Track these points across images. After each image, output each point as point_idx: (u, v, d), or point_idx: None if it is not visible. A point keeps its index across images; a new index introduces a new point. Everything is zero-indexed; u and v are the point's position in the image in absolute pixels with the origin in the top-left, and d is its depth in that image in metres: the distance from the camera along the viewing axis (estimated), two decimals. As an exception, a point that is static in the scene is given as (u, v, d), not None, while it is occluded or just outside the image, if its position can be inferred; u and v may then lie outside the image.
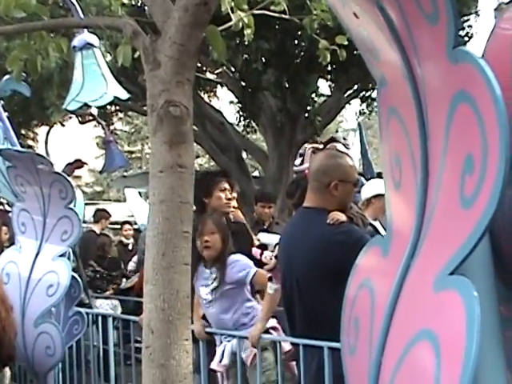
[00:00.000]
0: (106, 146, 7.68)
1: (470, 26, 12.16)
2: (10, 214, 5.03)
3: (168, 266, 2.37)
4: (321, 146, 5.02)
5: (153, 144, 2.46)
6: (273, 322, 3.79)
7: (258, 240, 4.85)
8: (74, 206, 4.33)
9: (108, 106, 13.71)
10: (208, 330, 3.87)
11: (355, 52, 2.88)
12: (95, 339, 5.08)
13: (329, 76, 12.50)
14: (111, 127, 17.63)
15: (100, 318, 4.90)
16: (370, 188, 4.84)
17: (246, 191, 11.13)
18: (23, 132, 16.33)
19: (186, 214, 2.42)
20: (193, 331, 2.86)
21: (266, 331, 3.68)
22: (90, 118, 14.19)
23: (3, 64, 3.83)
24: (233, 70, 12.65)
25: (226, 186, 4.32)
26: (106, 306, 7.08)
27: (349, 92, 13.47)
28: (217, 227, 3.83)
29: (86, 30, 4.58)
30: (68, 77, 6.42)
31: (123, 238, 9.60)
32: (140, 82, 10.34)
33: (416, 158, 1.74)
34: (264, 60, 11.12)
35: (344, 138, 5.40)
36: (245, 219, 4.90)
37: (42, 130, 17.31)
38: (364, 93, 13.28)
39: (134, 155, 33.69)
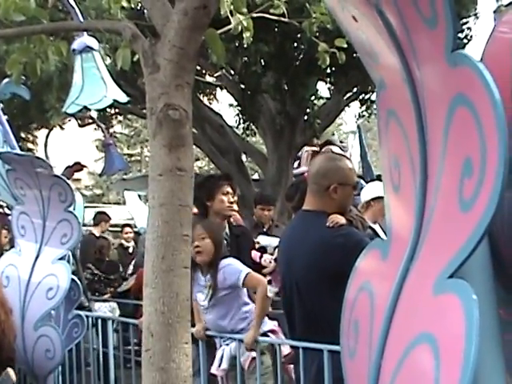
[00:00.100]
0: (106, 149, 7.71)
1: (469, 29, 12.15)
2: (9, 217, 5.03)
3: (168, 269, 2.37)
4: (318, 149, 5.02)
5: (152, 147, 2.46)
6: (272, 325, 3.78)
7: (258, 243, 4.86)
8: (74, 209, 4.34)
9: (107, 109, 13.69)
10: (208, 333, 3.85)
11: (354, 55, 2.89)
12: (95, 342, 5.07)
13: (328, 79, 12.49)
14: (111, 130, 17.66)
15: (100, 321, 4.90)
16: (369, 191, 4.85)
17: (245, 194, 11.13)
18: (23, 135, 16.36)
19: (185, 217, 2.42)
20: (193, 334, 2.86)
21: (264, 334, 3.68)
22: (90, 120, 14.23)
23: (3, 67, 3.83)
24: (232, 72, 12.66)
25: (229, 189, 4.33)
26: (104, 308, 7.08)
27: (348, 95, 13.46)
28: (207, 232, 3.76)
29: (85, 33, 4.59)
30: (67, 80, 6.42)
31: (123, 241, 9.60)
32: (139, 85, 10.34)
33: (415, 161, 1.74)
34: (263, 63, 11.11)
35: (341, 141, 5.40)
36: (244, 222, 4.91)
37: (41, 133, 17.29)
38: (363, 95, 13.26)
39: (133, 158, 33.72)
